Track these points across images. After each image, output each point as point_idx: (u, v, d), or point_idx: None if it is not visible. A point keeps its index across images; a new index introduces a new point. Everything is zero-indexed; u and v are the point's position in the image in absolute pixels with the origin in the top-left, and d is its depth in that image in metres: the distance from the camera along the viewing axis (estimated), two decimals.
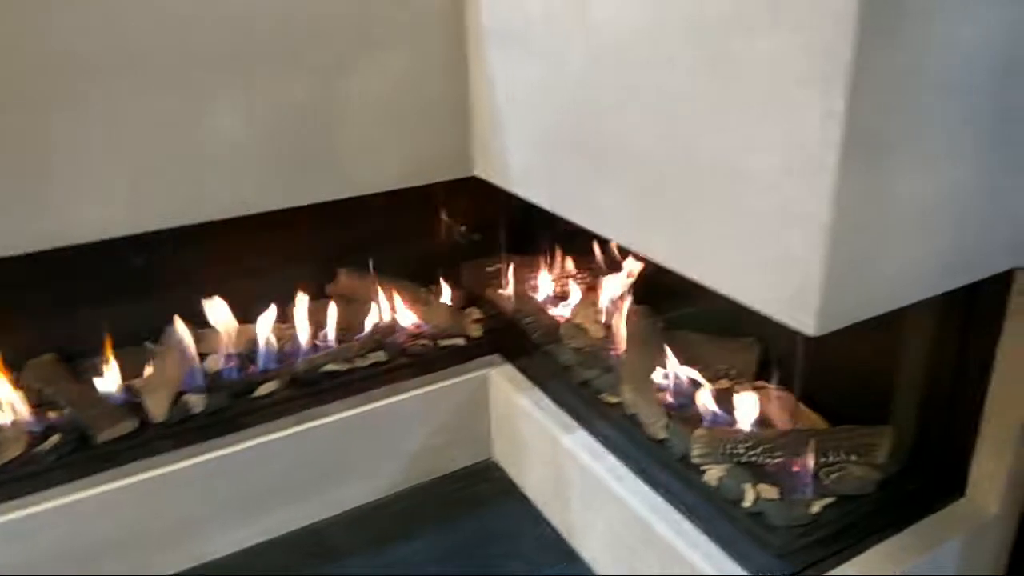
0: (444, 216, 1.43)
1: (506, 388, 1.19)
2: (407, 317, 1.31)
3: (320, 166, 1.00)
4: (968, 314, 0.82)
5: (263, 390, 1.17)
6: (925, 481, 0.89)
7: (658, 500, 0.93)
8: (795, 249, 0.59)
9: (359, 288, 1.35)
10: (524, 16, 0.89)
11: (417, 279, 1.39)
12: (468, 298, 1.40)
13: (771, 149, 0.59)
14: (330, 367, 1.21)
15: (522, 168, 0.98)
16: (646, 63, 0.71)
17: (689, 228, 0.71)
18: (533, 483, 1.19)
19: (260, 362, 1.22)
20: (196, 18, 0.88)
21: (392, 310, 1.31)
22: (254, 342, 1.23)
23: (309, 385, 1.18)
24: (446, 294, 1.36)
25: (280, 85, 0.94)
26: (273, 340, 1.23)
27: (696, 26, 0.64)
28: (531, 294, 1.39)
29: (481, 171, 1.08)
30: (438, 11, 1.00)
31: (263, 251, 1.27)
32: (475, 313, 1.36)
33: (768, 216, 0.61)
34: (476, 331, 1.31)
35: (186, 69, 0.89)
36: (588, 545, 1.07)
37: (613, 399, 1.10)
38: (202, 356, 1.21)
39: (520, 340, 1.28)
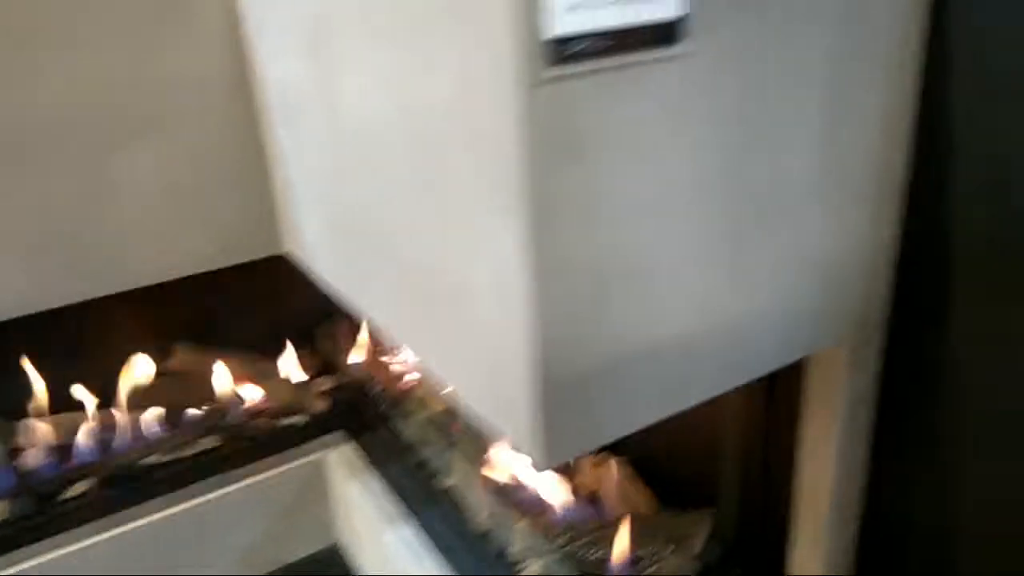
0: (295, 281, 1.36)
1: (341, 472, 1.12)
2: (245, 394, 1.23)
3: (99, 258, 0.92)
4: (770, 400, 0.78)
5: (75, 490, 1.08)
6: (748, 569, 0.84)
7: None
8: (515, 378, 0.53)
9: (198, 364, 1.26)
10: (286, 95, 0.83)
11: (268, 349, 1.31)
12: (321, 367, 1.32)
13: (484, 272, 0.53)
14: (153, 459, 1.12)
15: (314, 247, 0.91)
16: (381, 161, 0.65)
17: (441, 337, 0.65)
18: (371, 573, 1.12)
19: (77, 456, 1.13)
20: None
21: (228, 387, 1.23)
22: (75, 433, 1.14)
23: (128, 481, 1.10)
24: (291, 365, 1.29)
25: (36, 178, 0.86)
26: (94, 430, 1.14)
27: (415, 136, 0.58)
28: (386, 359, 1.32)
29: (289, 248, 1.01)
30: (223, 85, 0.93)
31: (96, 327, 1.18)
32: (325, 384, 1.28)
33: (491, 341, 0.55)
34: (321, 405, 1.23)
35: None
36: None
37: (448, 482, 1.03)
38: (18, 451, 1.12)
39: (366, 413, 1.21)
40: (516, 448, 0.56)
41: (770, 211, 0.57)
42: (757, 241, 0.58)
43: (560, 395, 0.52)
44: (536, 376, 0.51)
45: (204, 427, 1.17)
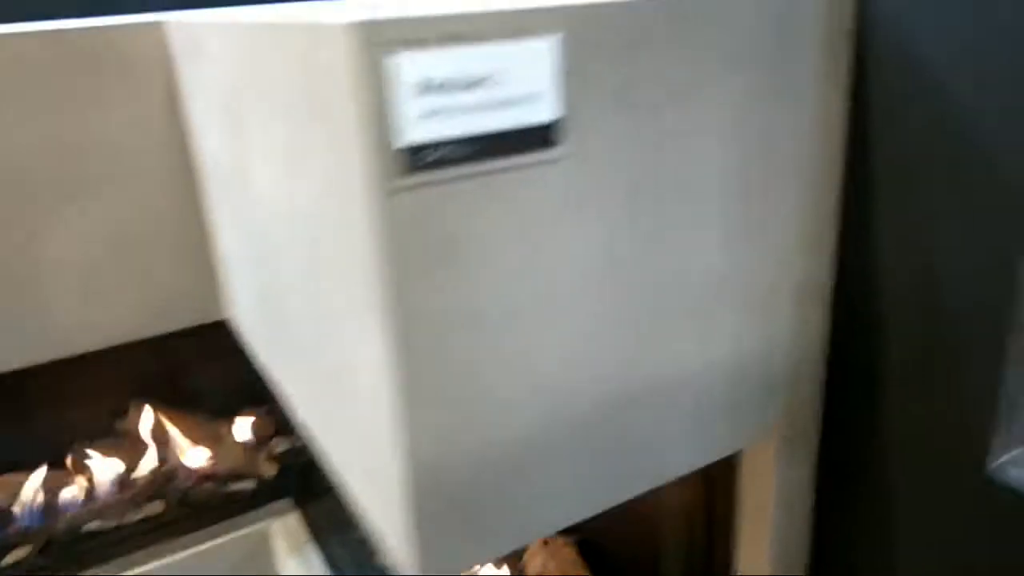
0: None
1: (284, 544, 1.09)
2: (195, 457, 1.20)
3: (33, 324, 0.90)
4: (709, 490, 0.74)
5: (12, 558, 1.05)
6: None
7: None
8: (390, 485, 0.50)
9: (154, 424, 1.24)
10: (215, 167, 0.83)
11: (222, 410, 1.29)
12: (275, 429, 1.29)
13: (363, 372, 0.51)
14: (95, 525, 1.10)
15: (241, 317, 0.89)
16: (281, 246, 0.63)
17: (332, 430, 0.62)
18: None
19: (22, 520, 1.10)
20: None
21: (178, 450, 1.20)
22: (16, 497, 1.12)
23: (66, 549, 1.07)
24: (244, 427, 1.26)
25: None
26: (37, 494, 1.12)
27: (302, 227, 0.56)
28: None
29: (228, 315, 0.99)
30: (160, 152, 0.91)
31: (44, 385, 1.16)
32: (277, 447, 1.25)
33: (371, 443, 0.53)
34: (271, 470, 1.20)
35: None
36: None
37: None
38: None
39: (317, 480, 1.18)
40: (395, 558, 0.53)
41: (671, 311, 0.55)
42: (657, 342, 0.55)
43: (438, 506, 0.49)
44: (409, 485, 0.48)
45: (150, 492, 1.14)
